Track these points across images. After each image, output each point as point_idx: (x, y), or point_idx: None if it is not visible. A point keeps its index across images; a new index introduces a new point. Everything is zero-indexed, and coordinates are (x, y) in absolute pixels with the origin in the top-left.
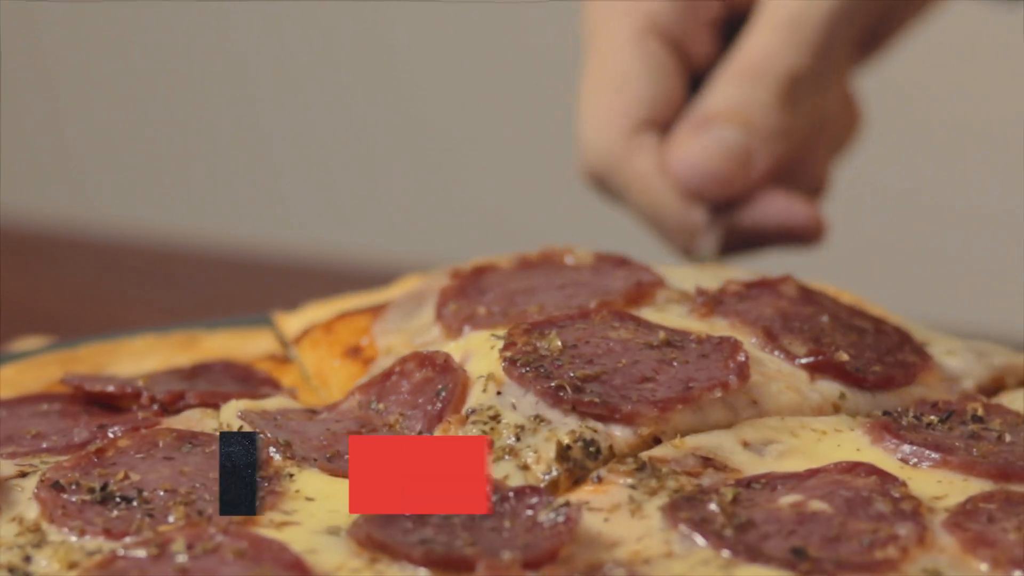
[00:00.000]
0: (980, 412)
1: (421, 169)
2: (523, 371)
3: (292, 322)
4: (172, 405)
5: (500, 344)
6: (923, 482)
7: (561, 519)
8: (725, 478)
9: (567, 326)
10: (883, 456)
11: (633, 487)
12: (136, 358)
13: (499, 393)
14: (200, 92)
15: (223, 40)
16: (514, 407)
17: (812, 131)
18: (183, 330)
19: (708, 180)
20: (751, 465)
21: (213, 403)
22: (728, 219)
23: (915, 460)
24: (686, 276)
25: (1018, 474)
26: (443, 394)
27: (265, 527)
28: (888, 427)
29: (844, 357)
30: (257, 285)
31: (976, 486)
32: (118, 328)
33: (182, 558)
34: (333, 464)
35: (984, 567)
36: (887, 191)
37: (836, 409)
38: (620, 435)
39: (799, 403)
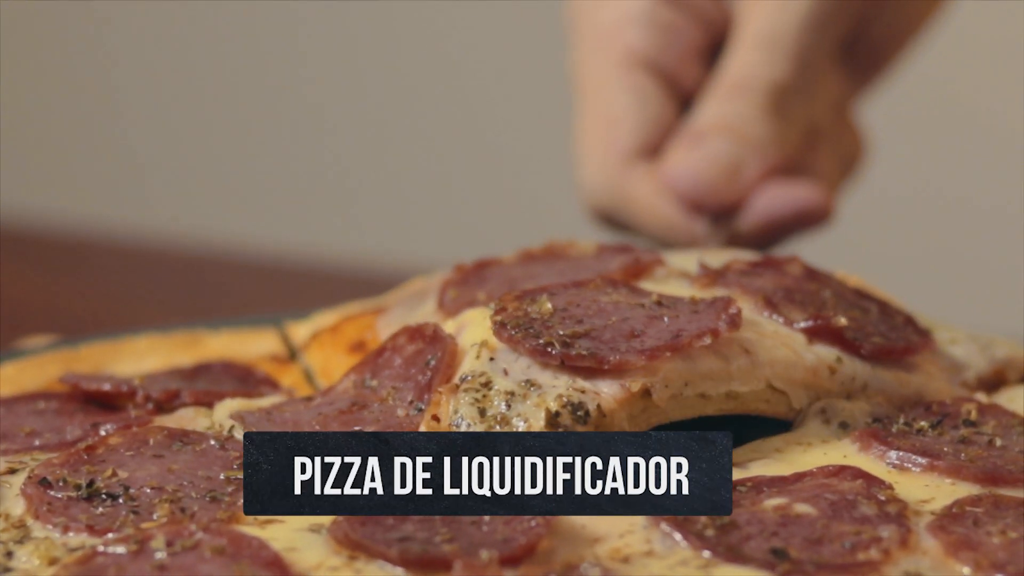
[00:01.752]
0: (973, 416)
1: (429, 172)
2: (512, 333)
3: (301, 329)
4: (167, 404)
5: (493, 312)
6: (910, 486)
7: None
8: None
9: (559, 293)
10: (871, 462)
11: None
12: (138, 357)
13: (492, 359)
14: (210, 96)
15: (232, 41)
16: (505, 373)
17: (804, 138)
18: (186, 330)
19: (702, 190)
20: (736, 475)
21: (207, 402)
22: (730, 226)
23: (903, 465)
24: (690, 257)
25: (1006, 478)
26: (432, 363)
27: (249, 525)
28: (876, 434)
29: (843, 322)
30: (265, 288)
31: (964, 490)
32: (124, 328)
33: (161, 555)
34: None
35: (966, 570)
36: (898, 189)
37: (832, 372)
38: (608, 392)
39: (794, 360)
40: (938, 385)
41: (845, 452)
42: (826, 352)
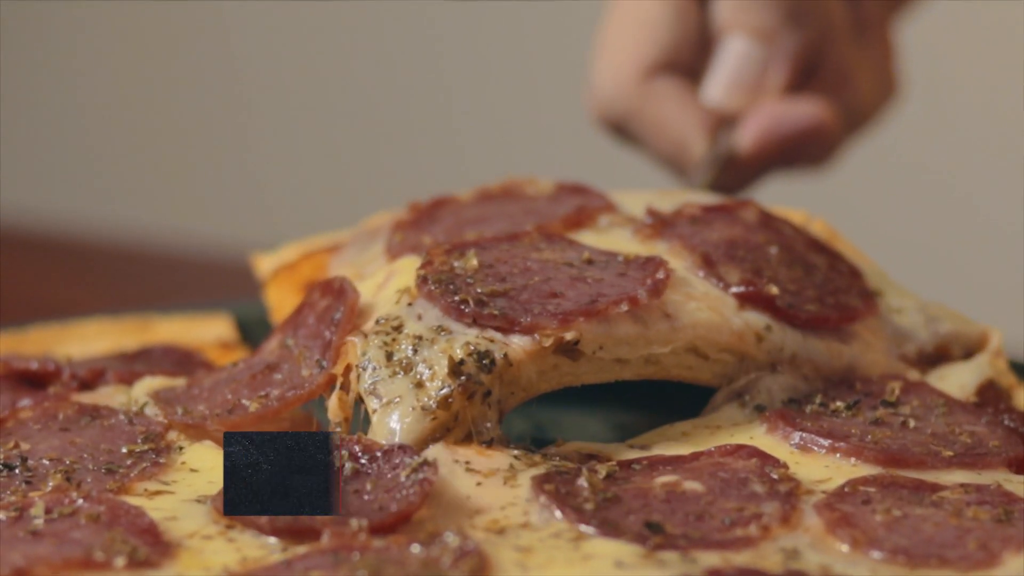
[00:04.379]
0: (895, 395)
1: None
2: (432, 288)
3: (267, 262)
4: (92, 383)
5: (419, 265)
6: (811, 467)
7: (419, 478)
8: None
9: (490, 247)
10: (775, 444)
11: (517, 457)
12: (86, 342)
13: (410, 305)
14: (162, 88)
15: (179, 35)
16: (419, 318)
17: (823, 32)
18: (136, 315)
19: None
20: (635, 455)
21: (131, 381)
22: (729, 143)
23: (806, 446)
24: (641, 200)
25: (907, 460)
26: (337, 317)
27: (138, 496)
28: (785, 416)
29: (773, 291)
30: (221, 282)
31: (865, 471)
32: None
33: (38, 521)
34: (234, 416)
35: (844, 547)
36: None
37: (759, 339)
38: (519, 343)
39: (718, 324)
40: (874, 357)
41: (752, 434)
42: (756, 319)
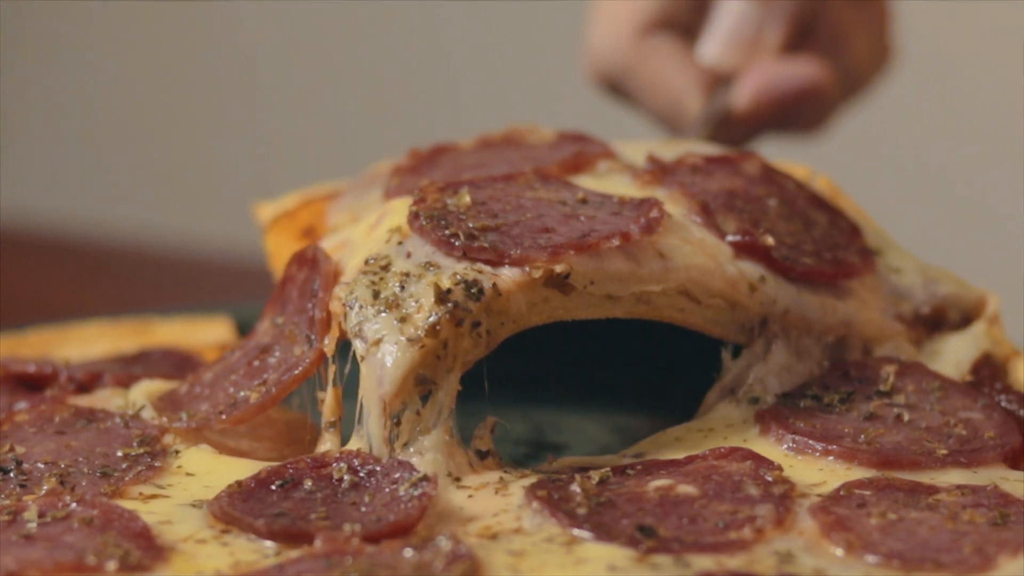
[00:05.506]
0: (890, 383)
1: None
2: (424, 223)
3: (267, 210)
4: (90, 386)
5: (412, 202)
6: (805, 469)
7: (417, 493)
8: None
9: (484, 186)
10: (769, 447)
11: (506, 471)
12: (85, 344)
13: (400, 244)
14: (162, 88)
15: (179, 35)
16: (408, 256)
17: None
18: (136, 317)
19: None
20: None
21: (128, 384)
22: (725, 101)
23: (800, 449)
24: (643, 149)
25: (901, 462)
26: (316, 289)
27: (133, 499)
28: (778, 416)
29: (769, 241)
30: (221, 284)
31: (859, 473)
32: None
33: (31, 525)
34: (237, 410)
35: (839, 551)
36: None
37: (752, 289)
38: (508, 275)
39: (711, 269)
40: (869, 315)
41: (746, 436)
42: (751, 269)
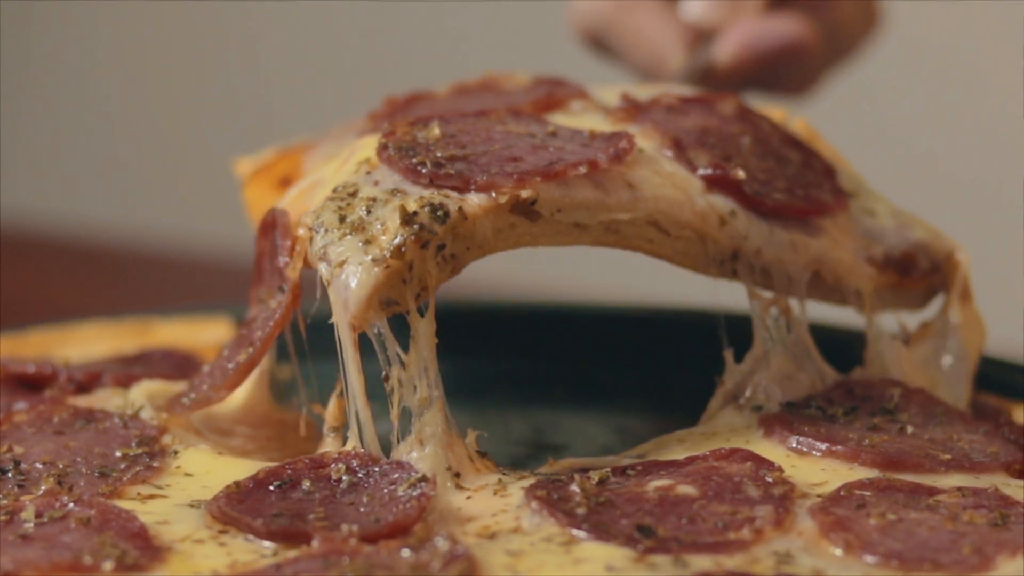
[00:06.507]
0: (892, 404)
1: None
2: (391, 153)
3: (245, 165)
4: (89, 386)
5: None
6: (807, 471)
7: (416, 494)
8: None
9: (454, 120)
10: (772, 447)
11: (504, 473)
12: (85, 344)
13: (368, 173)
14: (162, 88)
15: (179, 35)
16: (376, 184)
17: None
18: (137, 317)
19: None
20: (629, 462)
21: (127, 384)
22: (707, 57)
23: (802, 450)
24: (617, 91)
25: (904, 463)
26: (278, 242)
27: (131, 499)
28: (782, 420)
29: (740, 175)
30: (222, 285)
31: (861, 474)
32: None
33: (28, 525)
34: (231, 375)
35: (838, 551)
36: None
37: (722, 222)
38: (475, 200)
39: (681, 201)
40: (841, 255)
41: (749, 438)
42: (721, 203)
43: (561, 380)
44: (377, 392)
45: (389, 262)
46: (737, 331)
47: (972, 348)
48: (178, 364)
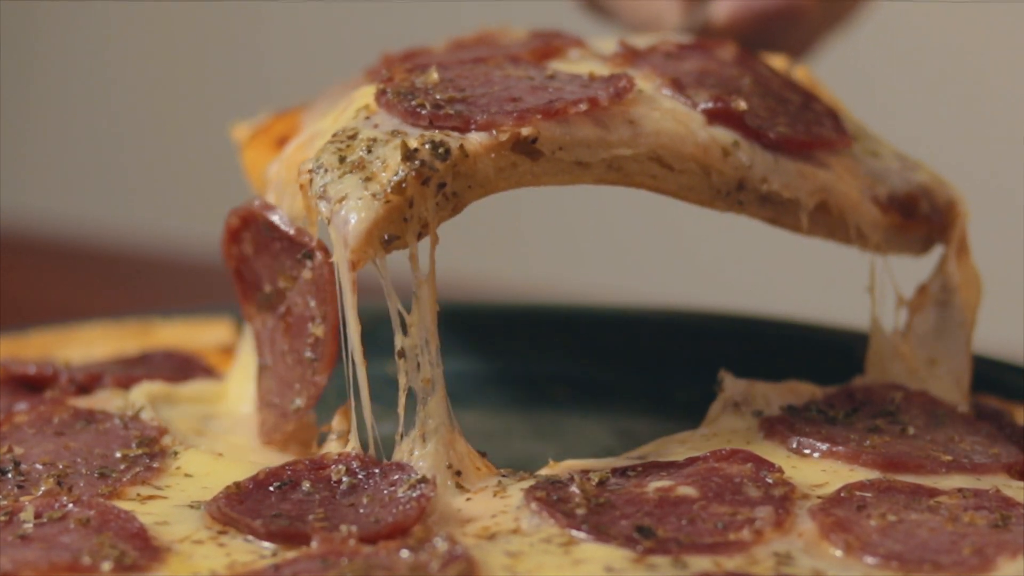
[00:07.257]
0: (893, 407)
1: None
2: (390, 97)
3: (243, 129)
4: (90, 387)
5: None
6: (807, 472)
7: (415, 495)
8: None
9: (453, 66)
10: (772, 449)
11: (504, 475)
12: (87, 346)
13: (367, 118)
14: (163, 89)
15: (179, 35)
16: (376, 126)
17: None
18: (138, 319)
19: None
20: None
21: (128, 385)
22: (703, 15)
23: (803, 451)
24: (615, 41)
25: (905, 464)
26: (275, 221)
27: (131, 500)
28: (783, 421)
29: (742, 106)
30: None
31: (861, 475)
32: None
33: (27, 526)
34: (315, 366)
35: (838, 552)
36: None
37: (726, 154)
38: (476, 138)
39: (682, 135)
40: (845, 189)
41: (749, 440)
42: (723, 135)
43: (561, 381)
44: (377, 393)
45: (389, 197)
46: (737, 333)
47: (969, 309)
48: (179, 365)
